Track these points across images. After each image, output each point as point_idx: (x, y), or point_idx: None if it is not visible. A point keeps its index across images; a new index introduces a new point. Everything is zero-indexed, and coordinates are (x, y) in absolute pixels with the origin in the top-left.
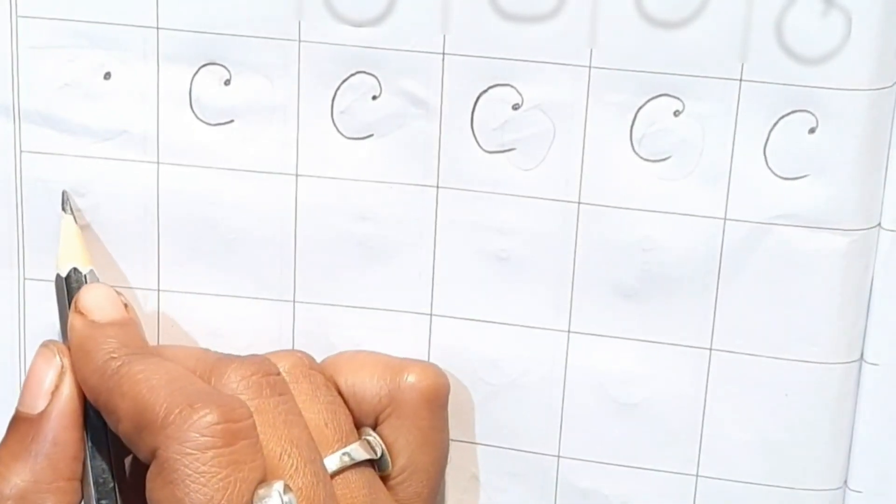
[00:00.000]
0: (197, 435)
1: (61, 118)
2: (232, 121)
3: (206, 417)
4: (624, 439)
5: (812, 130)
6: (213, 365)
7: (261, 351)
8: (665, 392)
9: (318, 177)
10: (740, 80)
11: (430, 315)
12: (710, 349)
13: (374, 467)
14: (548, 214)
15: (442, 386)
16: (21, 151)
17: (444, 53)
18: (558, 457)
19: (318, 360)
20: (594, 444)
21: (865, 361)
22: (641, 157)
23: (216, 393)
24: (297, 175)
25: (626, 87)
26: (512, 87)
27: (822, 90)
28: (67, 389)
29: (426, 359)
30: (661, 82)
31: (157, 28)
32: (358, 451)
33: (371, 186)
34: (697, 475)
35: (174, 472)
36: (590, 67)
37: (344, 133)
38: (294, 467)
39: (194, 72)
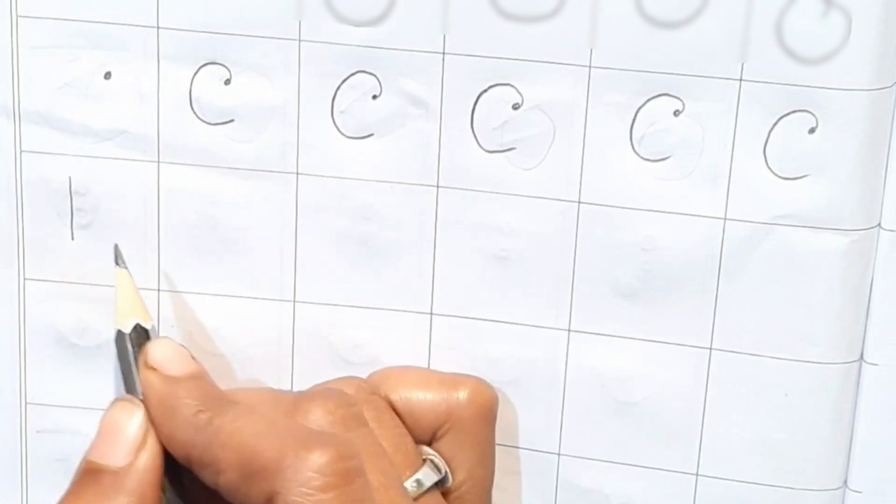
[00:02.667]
0: (317, 475)
1: (61, 118)
2: (232, 120)
3: (324, 458)
4: (624, 438)
5: (812, 130)
6: (294, 404)
7: (261, 351)
8: (665, 391)
9: (319, 176)
10: (740, 79)
11: (431, 315)
12: (710, 349)
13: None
14: (548, 214)
15: (494, 400)
16: (21, 151)
17: (444, 53)
18: (559, 455)
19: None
20: (594, 442)
21: (865, 361)
22: (641, 157)
23: (321, 432)
24: (297, 174)
25: (627, 86)
26: (512, 86)
27: (822, 90)
28: (154, 444)
29: (426, 358)
30: (661, 82)
31: (158, 28)
32: (428, 476)
33: (371, 186)
34: (697, 474)
35: None
36: (590, 67)
37: (344, 133)
38: (392, 501)
39: (194, 71)
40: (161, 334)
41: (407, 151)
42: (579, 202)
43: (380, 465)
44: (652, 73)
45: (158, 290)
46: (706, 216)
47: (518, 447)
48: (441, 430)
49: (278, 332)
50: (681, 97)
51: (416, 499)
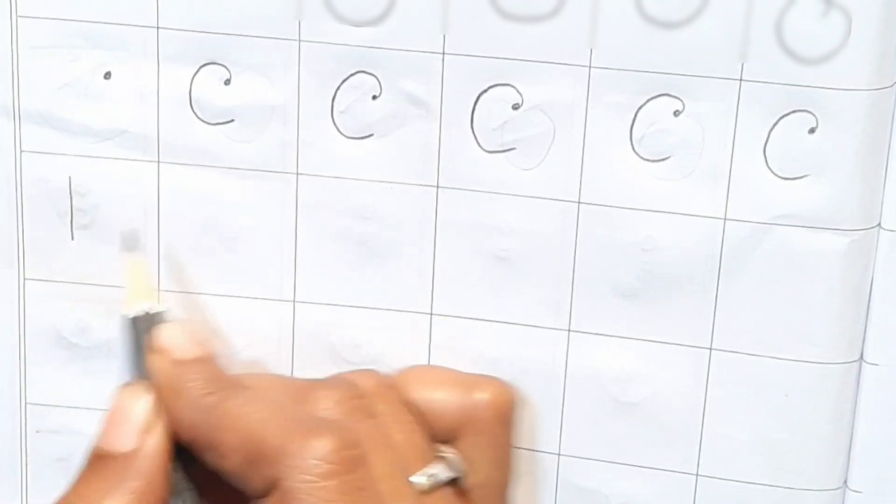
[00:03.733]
0: (319, 462)
1: (61, 118)
2: (232, 120)
3: (326, 445)
4: (624, 438)
5: (812, 130)
6: (303, 391)
7: (261, 351)
8: (665, 391)
9: (318, 176)
10: (740, 79)
11: (431, 314)
12: (710, 349)
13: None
14: (548, 214)
15: (513, 403)
16: (21, 151)
17: (444, 53)
18: (559, 455)
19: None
20: (594, 442)
21: (865, 361)
22: (641, 157)
23: (326, 421)
24: (297, 174)
25: (627, 86)
26: (512, 86)
27: (822, 90)
28: (161, 428)
29: (426, 358)
30: (661, 82)
31: (158, 28)
32: (442, 471)
33: (371, 186)
34: (697, 474)
35: (299, 501)
36: (590, 67)
37: (344, 133)
38: (397, 489)
39: (194, 71)
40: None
41: (407, 151)
42: (579, 202)
43: (386, 456)
44: (652, 73)
45: (158, 290)
46: (706, 216)
47: (518, 447)
48: (459, 431)
49: (278, 332)
50: (681, 97)
51: (428, 493)
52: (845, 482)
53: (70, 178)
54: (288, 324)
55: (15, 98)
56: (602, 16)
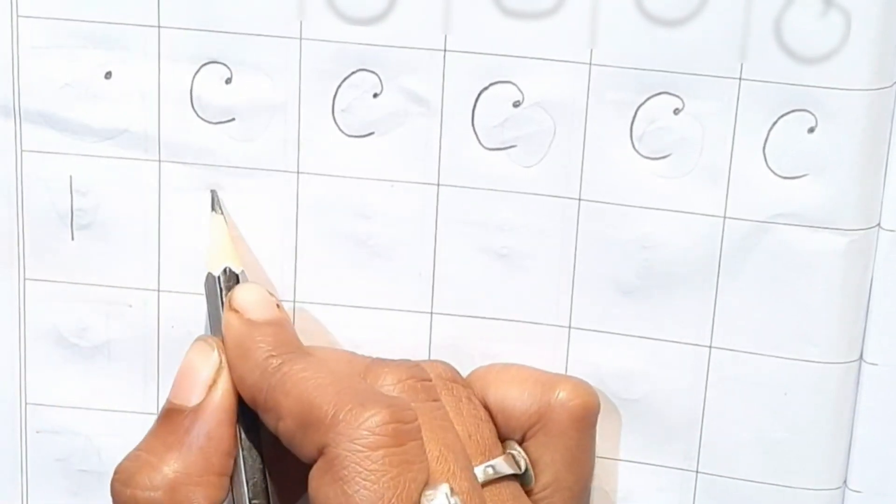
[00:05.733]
0: (368, 433)
1: (62, 118)
2: (233, 119)
3: (377, 416)
4: (624, 434)
5: (811, 130)
6: (367, 367)
7: None
8: (665, 388)
9: (319, 175)
10: (740, 78)
11: (431, 314)
12: (710, 346)
13: (518, 482)
14: (548, 211)
15: (593, 405)
16: (22, 151)
17: (445, 50)
18: None
19: None
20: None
21: (865, 361)
22: (641, 155)
23: (383, 394)
24: (298, 173)
25: (627, 84)
26: (513, 84)
27: (821, 90)
28: (224, 384)
29: (427, 356)
30: (661, 80)
31: (159, 27)
32: (502, 465)
33: (372, 185)
34: (697, 471)
35: (344, 468)
36: (590, 65)
37: (345, 131)
38: (451, 471)
39: (195, 70)
40: (161, 334)
41: (408, 149)
42: (580, 199)
43: (444, 437)
44: (652, 71)
45: (159, 290)
46: (706, 214)
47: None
48: (532, 430)
49: None
50: (681, 95)
51: (486, 485)
52: (845, 482)
53: (70, 177)
54: None
55: (15, 98)
56: (602, 14)
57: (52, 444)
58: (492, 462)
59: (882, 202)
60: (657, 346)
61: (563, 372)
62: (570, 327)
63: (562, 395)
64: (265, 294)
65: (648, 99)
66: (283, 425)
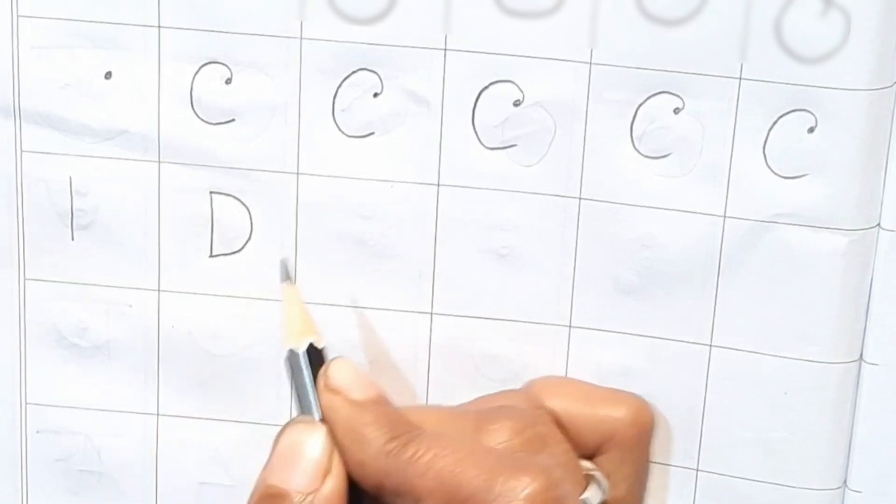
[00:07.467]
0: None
1: (62, 118)
2: (233, 120)
3: (533, 486)
4: None
5: (811, 130)
6: (476, 424)
7: (261, 351)
8: (665, 387)
9: (319, 175)
10: (740, 78)
11: (431, 314)
12: (710, 345)
13: None
14: (548, 210)
15: (653, 419)
16: (21, 151)
17: (445, 49)
18: None
19: None
20: None
21: (865, 361)
22: (642, 154)
23: (525, 460)
24: (297, 174)
25: (627, 84)
26: (513, 83)
27: (821, 90)
28: (340, 470)
29: (426, 358)
30: (661, 80)
31: (159, 27)
32: (596, 494)
33: (372, 185)
34: (697, 469)
35: None
36: (590, 64)
37: (345, 132)
38: None
39: (195, 71)
40: (161, 334)
41: (408, 149)
42: (580, 198)
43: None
44: (652, 70)
45: (159, 290)
46: (706, 213)
47: None
48: (604, 447)
49: (278, 333)
50: (681, 95)
51: None
52: (845, 482)
53: (70, 178)
54: None
55: (15, 98)
56: (603, 13)
57: (52, 444)
58: (586, 495)
59: (882, 202)
60: (657, 345)
61: (565, 371)
62: (570, 326)
63: (627, 412)
64: (359, 370)
65: (648, 98)
66: None
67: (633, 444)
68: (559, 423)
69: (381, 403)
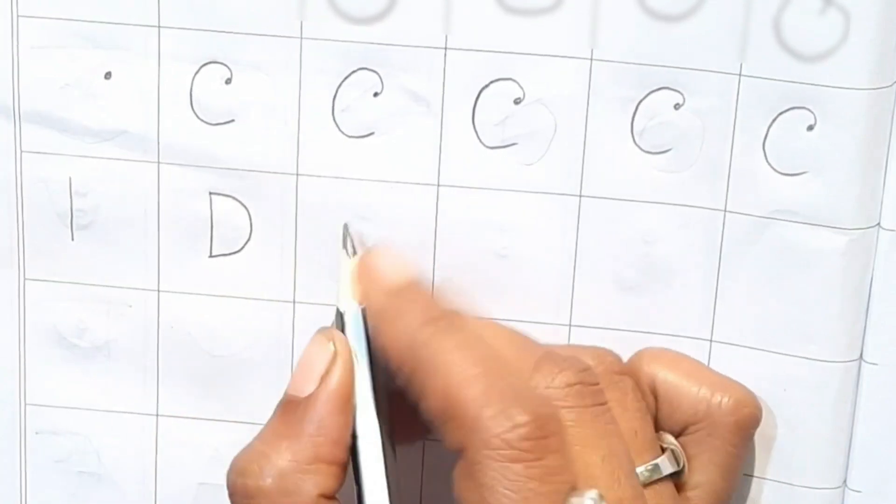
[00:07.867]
0: (507, 445)
1: (61, 118)
2: (232, 120)
3: (520, 429)
4: None
5: (811, 128)
6: (539, 362)
7: (261, 351)
8: None
9: (319, 175)
10: (739, 75)
11: None
12: (711, 341)
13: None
14: (550, 209)
15: (757, 418)
16: (21, 151)
17: (445, 48)
18: None
19: None
20: None
21: (865, 361)
22: (642, 150)
23: (531, 396)
24: (297, 174)
25: (627, 80)
26: (513, 81)
27: (820, 88)
28: (338, 373)
29: None
30: (661, 76)
31: (159, 27)
32: (665, 464)
33: (372, 185)
34: None
35: (484, 476)
36: (591, 61)
37: (345, 132)
38: (614, 478)
39: (195, 71)
40: (161, 334)
41: (408, 149)
42: (580, 196)
43: (609, 444)
44: (653, 66)
45: (158, 290)
46: (707, 208)
47: None
48: (693, 427)
49: (278, 333)
50: (681, 91)
51: (647, 485)
52: (845, 481)
53: (70, 178)
54: (288, 324)
55: (15, 98)
56: (603, 9)
57: (52, 445)
58: (657, 461)
59: (882, 201)
60: (658, 341)
61: None
62: (570, 325)
63: (730, 399)
64: (396, 255)
65: (649, 94)
66: (425, 405)
67: (725, 433)
68: (655, 391)
69: (415, 287)
